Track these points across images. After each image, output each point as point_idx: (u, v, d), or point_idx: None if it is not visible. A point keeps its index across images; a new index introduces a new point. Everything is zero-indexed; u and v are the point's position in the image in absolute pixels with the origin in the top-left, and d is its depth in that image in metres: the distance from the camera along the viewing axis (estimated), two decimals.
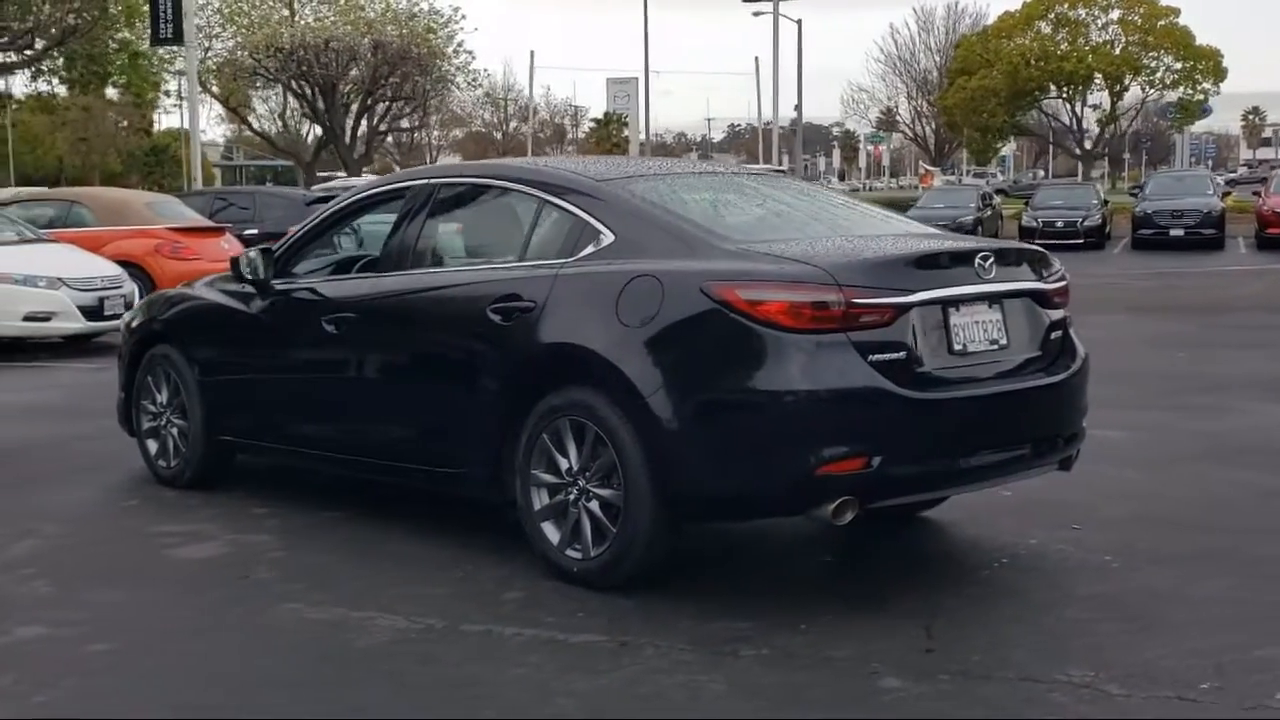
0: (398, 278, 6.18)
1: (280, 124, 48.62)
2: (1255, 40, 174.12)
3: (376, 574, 5.67)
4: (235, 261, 6.79)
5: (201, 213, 19.24)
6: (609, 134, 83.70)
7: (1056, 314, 5.65)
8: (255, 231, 18.41)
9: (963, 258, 5.27)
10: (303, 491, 7.04)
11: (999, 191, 60.06)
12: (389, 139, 56.26)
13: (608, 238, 5.46)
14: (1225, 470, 7.59)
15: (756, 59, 63.49)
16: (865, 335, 4.91)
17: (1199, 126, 73.82)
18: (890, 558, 5.96)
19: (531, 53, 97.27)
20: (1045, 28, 47.83)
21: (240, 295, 6.93)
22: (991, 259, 5.27)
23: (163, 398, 7.40)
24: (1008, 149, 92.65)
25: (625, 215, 5.48)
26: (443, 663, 4.63)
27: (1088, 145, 55.83)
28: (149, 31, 26.08)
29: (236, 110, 45.25)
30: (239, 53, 38.60)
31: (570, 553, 5.40)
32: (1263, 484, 7.20)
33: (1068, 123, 54.61)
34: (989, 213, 36.61)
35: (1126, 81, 49.55)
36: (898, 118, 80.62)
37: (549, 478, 5.45)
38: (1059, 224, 32.87)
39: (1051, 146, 72.47)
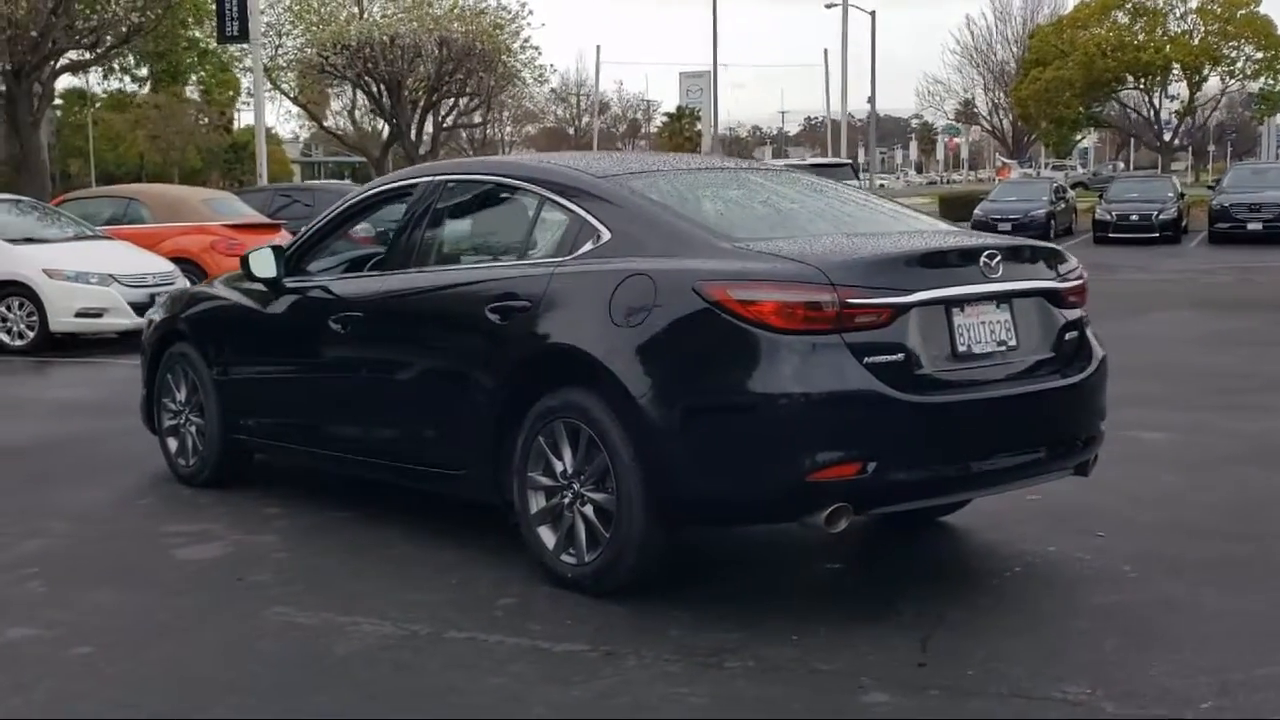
0: (402, 276, 6.11)
1: (350, 121, 48.91)
2: None
3: (374, 577, 5.59)
4: (244, 259, 6.75)
5: (262, 209, 19.35)
6: (681, 128, 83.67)
7: (1072, 314, 5.44)
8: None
9: (967, 256, 5.08)
10: (316, 492, 6.99)
11: (1078, 184, 59.18)
12: (461, 135, 56.43)
13: (605, 236, 5.34)
14: (1267, 474, 7.33)
15: (825, 51, 63.05)
16: (861, 337, 4.74)
17: None
18: (899, 565, 5.79)
19: (598, 47, 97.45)
20: (1122, 18, 46.96)
21: (254, 294, 6.89)
22: (999, 258, 5.08)
23: (182, 396, 7.39)
24: (1088, 141, 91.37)
25: (622, 212, 5.36)
26: (420, 671, 4.53)
27: (1166, 137, 54.72)
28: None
29: (306, 107, 45.57)
30: (307, 50, 38.87)
31: (565, 558, 5.29)
32: None
33: (1145, 114, 53.60)
34: (1062, 206, 36.07)
35: (1205, 72, 48.50)
36: (976, 110, 79.68)
37: (545, 481, 5.35)
38: (1133, 218, 32.27)
39: (1133, 139, 71.20)
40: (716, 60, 51.71)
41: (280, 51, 40.18)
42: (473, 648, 4.74)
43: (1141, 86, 49.42)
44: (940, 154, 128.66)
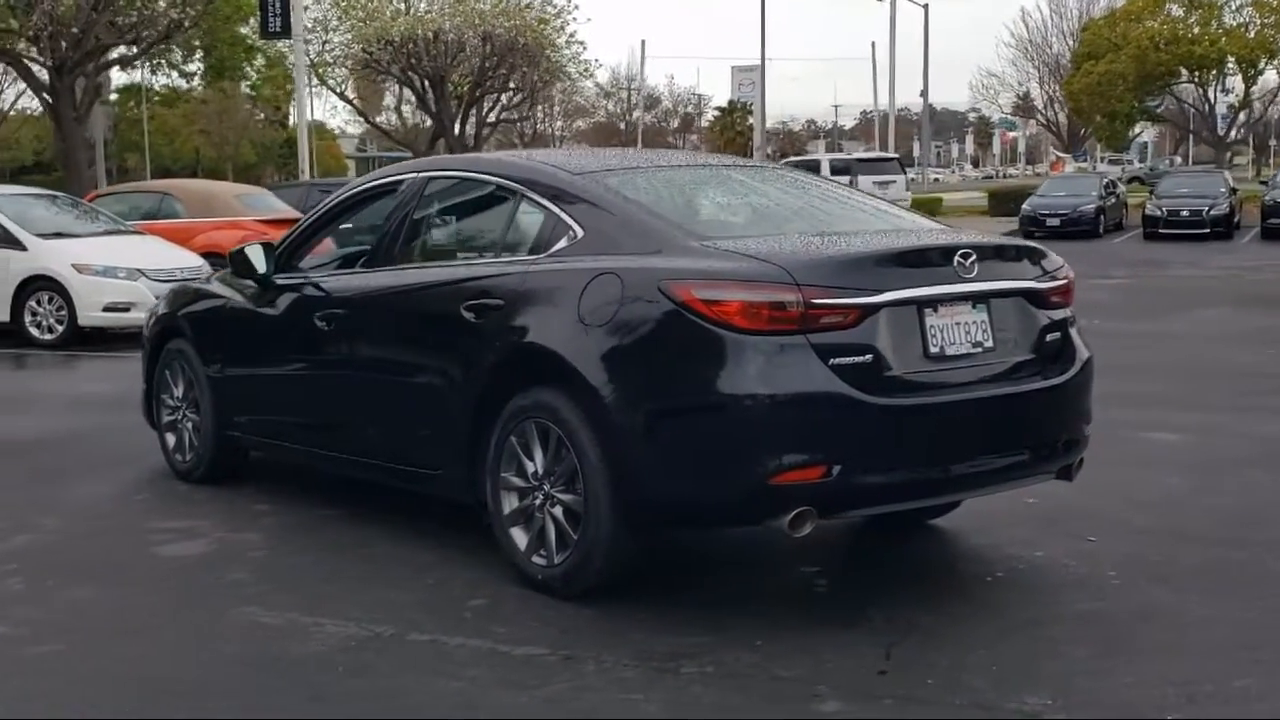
0: (383, 274, 6.09)
1: (397, 116, 49.14)
2: None
3: (349, 578, 5.56)
4: (232, 256, 6.75)
5: (298, 205, 19.42)
6: (733, 122, 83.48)
7: (1054, 314, 5.32)
8: (351, 224, 18.53)
9: (941, 256, 4.97)
10: (309, 490, 6.97)
11: (1134, 179, 58.42)
12: (510, 129, 56.53)
13: (578, 234, 5.28)
14: (1275, 478, 7.19)
15: (873, 44, 62.52)
16: (826, 337, 4.65)
17: None
18: (879, 569, 5.69)
19: (642, 42, 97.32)
20: (1176, 10, 46.25)
21: (247, 291, 6.89)
22: (974, 257, 4.96)
23: (179, 392, 7.40)
24: (1146, 135, 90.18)
25: (596, 210, 5.29)
26: (375, 673, 4.49)
27: (1221, 132, 53.87)
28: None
29: (353, 102, 45.83)
30: (353, 46, 39.05)
31: (536, 559, 5.24)
32: None
33: (1200, 108, 52.83)
34: (1112, 201, 35.66)
35: (1261, 65, 47.68)
36: (1034, 103, 78.92)
37: (518, 481, 5.30)
38: (1184, 213, 31.83)
39: (1191, 135, 70.24)
40: (764, 54, 51.45)
41: (327, 47, 40.44)
42: (433, 650, 4.70)
43: (1196, 80, 48.72)
44: (996, 148, 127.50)
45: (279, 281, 6.67)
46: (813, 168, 36.71)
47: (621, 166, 5.73)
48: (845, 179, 34.62)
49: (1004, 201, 39.58)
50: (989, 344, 5.06)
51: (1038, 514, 6.30)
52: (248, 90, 53.15)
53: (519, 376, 5.25)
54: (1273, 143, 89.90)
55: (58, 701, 4.33)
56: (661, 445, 4.79)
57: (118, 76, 47.57)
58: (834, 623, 4.92)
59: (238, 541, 6.16)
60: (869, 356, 4.71)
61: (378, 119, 52.49)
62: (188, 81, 37.06)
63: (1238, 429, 8.50)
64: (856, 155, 43.46)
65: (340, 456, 6.35)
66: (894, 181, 35.89)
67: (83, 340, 13.91)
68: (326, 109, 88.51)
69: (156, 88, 62.28)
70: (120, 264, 13.97)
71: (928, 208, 40.75)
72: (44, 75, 25.86)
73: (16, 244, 14.09)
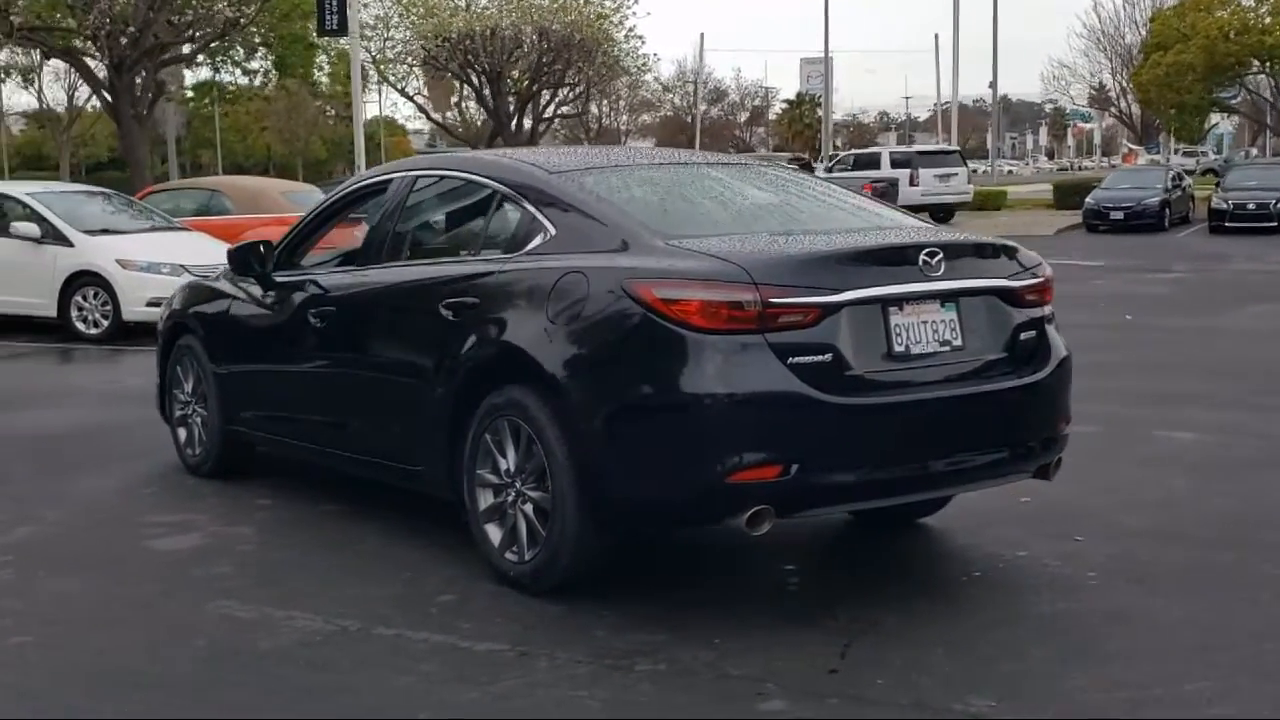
0: (371, 271, 6.16)
1: (459, 113, 49.45)
2: None
3: (330, 572, 5.63)
4: (230, 254, 6.86)
5: None
6: (801, 115, 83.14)
7: (1029, 313, 5.26)
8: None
9: (906, 254, 4.94)
10: (314, 485, 7.02)
11: (1208, 171, 57.41)
12: (576, 126, 56.66)
13: (551, 232, 5.32)
14: None
15: (936, 35, 61.80)
16: (785, 337, 4.65)
17: None
18: (855, 566, 5.68)
19: (701, 35, 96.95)
20: (1246, 0, 45.41)
21: (249, 288, 7.00)
22: (940, 255, 4.93)
23: (189, 387, 7.53)
24: (1224, 127, 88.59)
25: (569, 209, 5.32)
26: (331, 668, 4.55)
27: None
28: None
29: (414, 99, 46.17)
30: (413, 43, 39.34)
31: (509, 556, 5.28)
32: None
33: (1272, 99, 51.81)
34: (1178, 194, 35.07)
35: None
36: (1111, 94, 77.80)
37: (492, 478, 5.34)
38: (1250, 206, 31.21)
39: (1268, 126, 68.91)
40: (828, 45, 51.17)
41: (389, 44, 40.77)
42: (393, 645, 4.75)
43: (1267, 71, 47.75)
44: (1071, 140, 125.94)
45: (278, 279, 6.76)
46: (873, 161, 36.58)
47: (600, 165, 5.75)
48: (905, 172, 34.54)
49: (1069, 194, 39.07)
50: (958, 342, 5.02)
51: (1030, 513, 6.25)
52: (319, 86, 53.65)
53: (493, 374, 5.30)
54: None
55: (16, 693, 4.41)
56: (622, 443, 4.81)
57: (190, 74, 48.22)
58: (796, 621, 4.92)
59: (231, 535, 6.26)
60: (828, 356, 4.70)
61: (446, 115, 52.77)
62: (250, 79, 37.43)
63: (1259, 429, 8.36)
64: (916, 148, 43.12)
65: (335, 453, 6.42)
66: (955, 174, 35.56)
67: (127, 335, 14.13)
68: (389, 105, 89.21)
69: (228, 85, 63.12)
70: (164, 260, 14.17)
71: (993, 201, 40.55)
72: (103, 73, 26.31)
73: (64, 240, 14.35)
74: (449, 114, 52.66)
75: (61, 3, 25.08)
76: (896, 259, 4.95)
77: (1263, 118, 59.43)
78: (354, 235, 16.98)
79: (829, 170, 37.89)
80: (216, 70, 35.52)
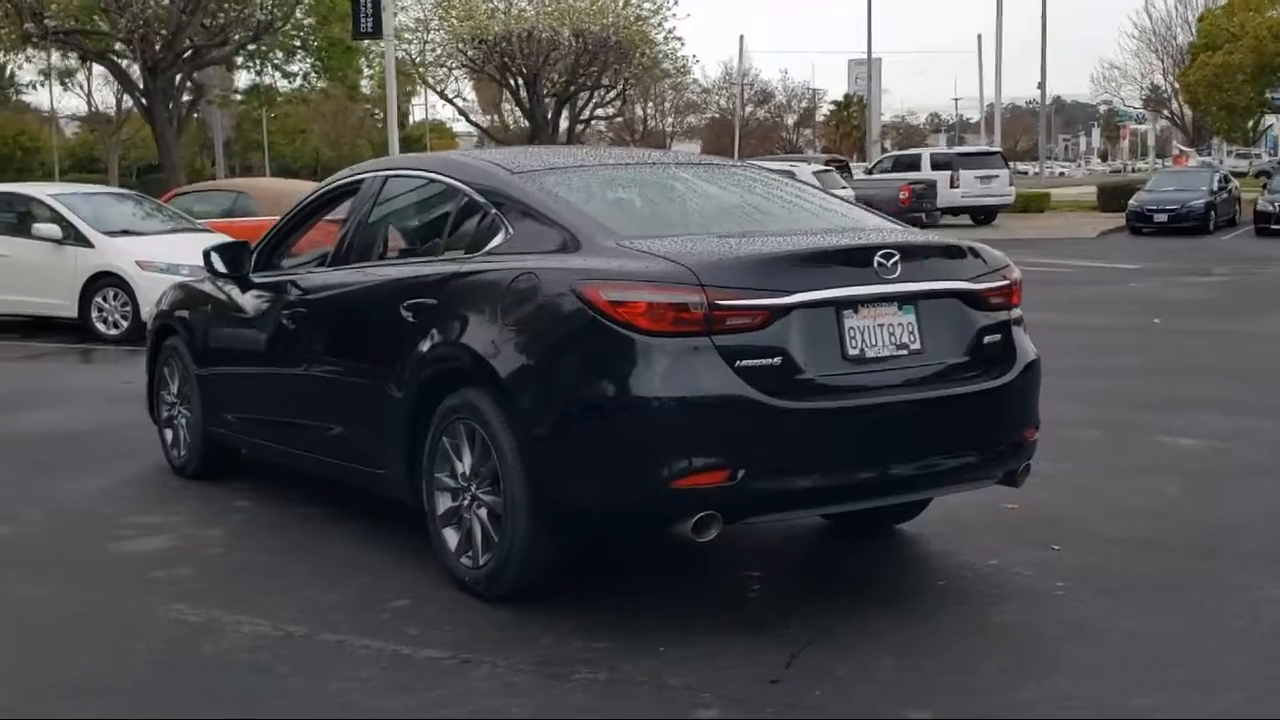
0: (340, 272, 6.14)
1: (498, 115, 49.52)
2: None
3: (291, 576, 5.59)
4: (206, 255, 6.85)
5: None
6: (848, 116, 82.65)
7: (994, 316, 5.14)
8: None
9: (860, 256, 4.83)
10: (297, 487, 6.92)
11: (1261, 173, 56.54)
12: (621, 129, 56.62)
13: (509, 233, 5.25)
14: None
15: (979, 36, 61.22)
16: (733, 339, 4.56)
17: None
18: (820, 574, 5.60)
19: (740, 37, 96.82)
20: None
21: (229, 289, 6.98)
22: (896, 257, 4.82)
23: (175, 388, 7.52)
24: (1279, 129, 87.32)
25: (527, 209, 5.25)
26: (269, 674, 4.50)
27: None
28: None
29: (453, 101, 46.32)
30: (451, 45, 39.42)
31: (464, 560, 5.22)
32: None
33: None
34: (1224, 196, 34.57)
35: None
36: (1164, 95, 76.91)
37: (450, 482, 5.28)
38: None
39: None
40: (871, 47, 50.83)
41: (428, 47, 40.89)
42: (336, 651, 4.69)
43: None
44: (1125, 141, 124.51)
45: (255, 280, 6.74)
46: (913, 163, 36.29)
47: (563, 165, 5.67)
48: (945, 174, 34.26)
49: (1114, 197, 38.62)
50: (916, 346, 4.91)
51: (1010, 521, 6.13)
52: (360, 89, 53.90)
53: (450, 377, 5.24)
54: None
55: None
56: (567, 447, 4.74)
57: (240, 77, 48.47)
58: (749, 628, 4.82)
59: (200, 538, 6.23)
60: (778, 359, 4.60)
61: (492, 117, 52.84)
62: (290, 81, 37.64)
63: (1266, 436, 8.16)
64: (956, 150, 42.75)
65: (307, 456, 6.39)
66: (996, 176, 35.20)
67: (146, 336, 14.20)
68: (432, 108, 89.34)
69: (274, 89, 63.61)
70: (183, 261, 14.18)
71: (1036, 203, 40.14)
72: (140, 76, 26.55)
73: (85, 241, 14.44)
74: (493, 116, 52.72)
75: (96, 6, 25.30)
76: (851, 260, 4.84)
77: None
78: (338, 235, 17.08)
79: (868, 172, 37.65)
80: (258, 74, 35.67)
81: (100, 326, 14.29)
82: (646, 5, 40.08)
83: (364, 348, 5.85)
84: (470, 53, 38.24)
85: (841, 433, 4.72)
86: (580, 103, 43.08)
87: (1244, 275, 21.53)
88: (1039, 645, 4.66)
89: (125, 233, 14.80)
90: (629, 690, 4.30)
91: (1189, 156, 66.09)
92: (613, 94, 43.31)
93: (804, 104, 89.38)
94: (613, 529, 4.93)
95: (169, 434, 7.63)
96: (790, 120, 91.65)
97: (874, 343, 4.82)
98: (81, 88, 63.09)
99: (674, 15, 41.43)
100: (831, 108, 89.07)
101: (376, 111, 66.39)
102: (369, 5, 25.55)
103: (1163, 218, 32.13)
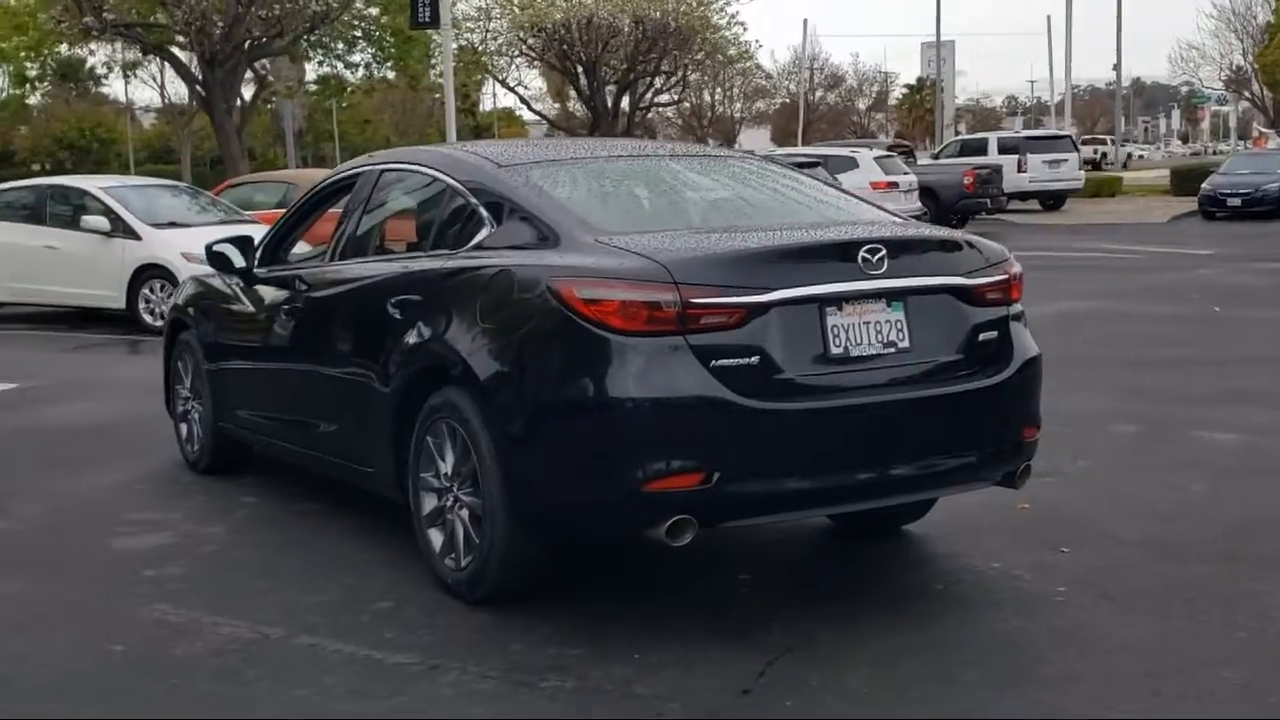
0: (334, 267, 6.07)
1: (561, 103, 49.46)
2: None
3: (279, 576, 5.53)
4: (208, 249, 6.81)
5: None
6: (921, 100, 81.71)
7: (989, 312, 4.96)
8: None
9: (844, 251, 4.67)
10: (303, 483, 6.87)
11: None
12: (685, 114, 56.36)
13: (492, 228, 5.15)
14: None
15: (1048, 18, 60.02)
16: (708, 339, 4.42)
17: None
18: (813, 578, 5.45)
19: (805, 20, 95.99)
20: None
21: (233, 284, 6.95)
22: (882, 252, 4.64)
23: (188, 383, 7.51)
24: None
25: (510, 204, 5.14)
26: (236, 678, 4.43)
27: None
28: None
29: (514, 90, 46.27)
30: (510, 33, 39.40)
31: (447, 562, 5.14)
32: None
33: None
34: None
35: None
36: (1245, 76, 75.25)
37: (434, 482, 5.19)
38: None
39: None
40: (940, 29, 50.19)
41: (490, 35, 40.87)
42: (306, 655, 4.62)
43: None
44: (1205, 123, 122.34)
45: (258, 275, 6.70)
46: (980, 147, 35.73)
47: (553, 159, 5.55)
48: (1012, 158, 33.70)
49: (1187, 180, 37.77)
50: (904, 344, 4.74)
51: (1023, 522, 5.94)
52: (421, 79, 53.95)
53: (432, 375, 5.14)
54: None
55: None
56: (543, 448, 4.63)
57: (310, 68, 48.71)
58: (729, 635, 4.68)
59: (199, 535, 6.19)
60: (755, 359, 4.46)
61: (559, 105, 52.82)
62: (352, 72, 37.78)
63: None
64: (1025, 133, 42.02)
65: (306, 453, 6.34)
66: (1066, 160, 34.56)
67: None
68: (494, 96, 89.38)
69: (346, 79, 64.00)
70: None
71: (1108, 188, 39.44)
72: (197, 69, 26.77)
73: (132, 233, 14.55)
74: (561, 104, 52.70)
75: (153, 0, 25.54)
76: (834, 256, 4.67)
77: None
78: None
79: (934, 157, 37.16)
80: (320, 64, 35.86)
81: (147, 318, 14.38)
82: None
83: (354, 344, 5.77)
84: (530, 41, 38.17)
85: (823, 434, 4.56)
86: (639, 89, 42.86)
87: None
88: (1026, 654, 4.49)
89: (172, 225, 14.88)
90: (596, 698, 4.19)
91: (1269, 139, 64.61)
92: (672, 81, 43.02)
93: (876, 88, 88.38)
94: (587, 532, 4.81)
95: (183, 429, 7.62)
96: (862, 105, 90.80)
97: (859, 341, 4.66)
98: (155, 79, 63.78)
99: (738, 0, 41.18)
100: (904, 91, 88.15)
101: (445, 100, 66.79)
102: None
103: (1236, 202, 31.39)
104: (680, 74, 41.82)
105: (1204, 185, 32.90)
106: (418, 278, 5.34)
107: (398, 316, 5.33)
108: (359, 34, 32.26)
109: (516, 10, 38.92)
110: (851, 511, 5.19)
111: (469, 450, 4.91)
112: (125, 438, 8.55)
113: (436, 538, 5.20)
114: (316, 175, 20.87)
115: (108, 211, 14.77)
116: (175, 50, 28.44)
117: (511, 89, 45.76)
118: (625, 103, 42.26)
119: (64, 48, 31.90)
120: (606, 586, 5.33)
